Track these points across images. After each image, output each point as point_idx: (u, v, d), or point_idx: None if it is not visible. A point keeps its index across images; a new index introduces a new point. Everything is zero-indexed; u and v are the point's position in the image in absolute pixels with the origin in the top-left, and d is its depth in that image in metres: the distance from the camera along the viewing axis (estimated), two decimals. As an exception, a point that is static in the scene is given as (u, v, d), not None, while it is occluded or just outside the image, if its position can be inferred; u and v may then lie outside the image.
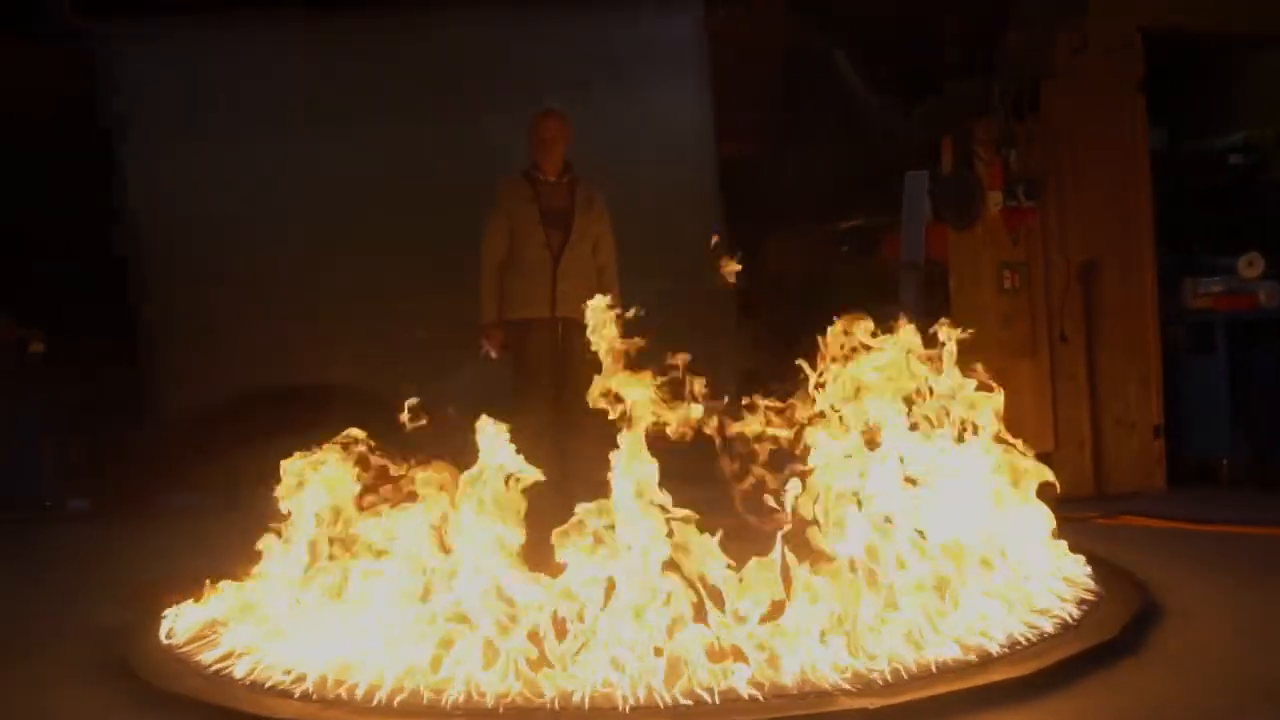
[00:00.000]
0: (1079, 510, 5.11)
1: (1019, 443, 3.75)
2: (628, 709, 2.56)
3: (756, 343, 7.35)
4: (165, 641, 3.31)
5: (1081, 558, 3.71)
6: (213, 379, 6.88)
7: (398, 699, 2.66)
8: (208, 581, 3.47)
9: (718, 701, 2.58)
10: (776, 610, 2.83)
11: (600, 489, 3.03)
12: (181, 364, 6.99)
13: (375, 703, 2.66)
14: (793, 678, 2.67)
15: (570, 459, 4.98)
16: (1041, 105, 5.50)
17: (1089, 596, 3.42)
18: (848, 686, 2.64)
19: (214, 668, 3.02)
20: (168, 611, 3.44)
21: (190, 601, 3.48)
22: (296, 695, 2.75)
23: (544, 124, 5.02)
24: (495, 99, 7.12)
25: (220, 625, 3.34)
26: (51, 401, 6.64)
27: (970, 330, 3.97)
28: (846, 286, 6.60)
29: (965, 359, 5.50)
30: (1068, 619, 3.19)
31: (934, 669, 2.77)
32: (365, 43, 7.18)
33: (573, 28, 7.38)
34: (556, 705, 2.60)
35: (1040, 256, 5.64)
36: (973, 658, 2.87)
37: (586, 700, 2.59)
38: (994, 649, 2.93)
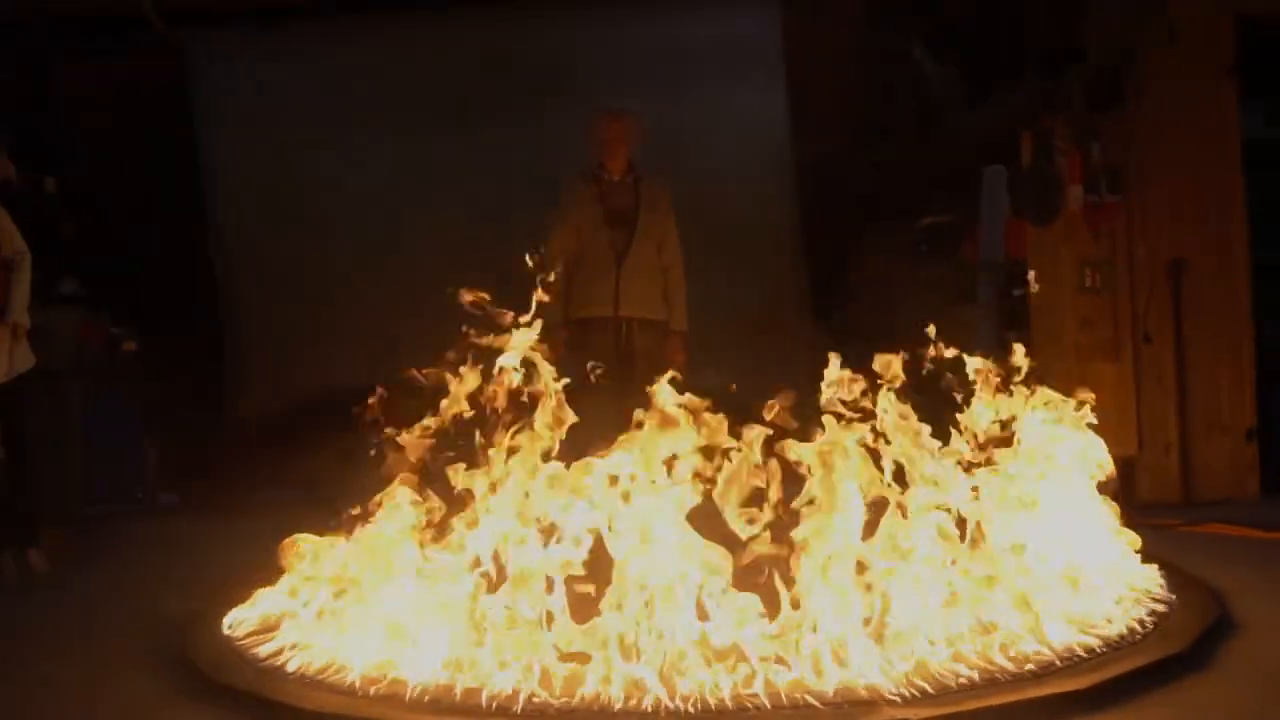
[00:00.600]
0: (1163, 516, 4.93)
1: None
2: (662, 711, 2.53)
3: (832, 344, 7.24)
4: (226, 633, 3.39)
5: (1155, 566, 3.56)
6: (295, 376, 7.06)
7: (429, 696, 2.67)
8: (271, 575, 3.54)
9: (766, 705, 2.55)
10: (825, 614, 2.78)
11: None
12: (265, 362, 7.18)
13: (411, 698, 2.67)
14: (834, 684, 2.61)
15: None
16: (1125, 95, 5.29)
17: (1160, 607, 3.29)
18: (891, 695, 2.57)
19: (268, 660, 3.07)
20: (233, 604, 3.53)
21: (255, 594, 3.57)
22: (340, 689, 2.78)
23: (606, 124, 5.02)
24: (572, 99, 7.15)
25: (282, 618, 3.41)
26: (143, 399, 6.86)
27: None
28: (924, 286, 6.46)
29: (1044, 362, 5.38)
30: (1134, 630, 3.07)
31: (984, 680, 2.69)
32: (442, 44, 7.27)
33: (648, 27, 7.38)
34: (595, 706, 2.58)
35: (1124, 253, 5.44)
36: (1030, 668, 2.78)
37: (620, 701, 2.57)
38: (1053, 660, 2.83)
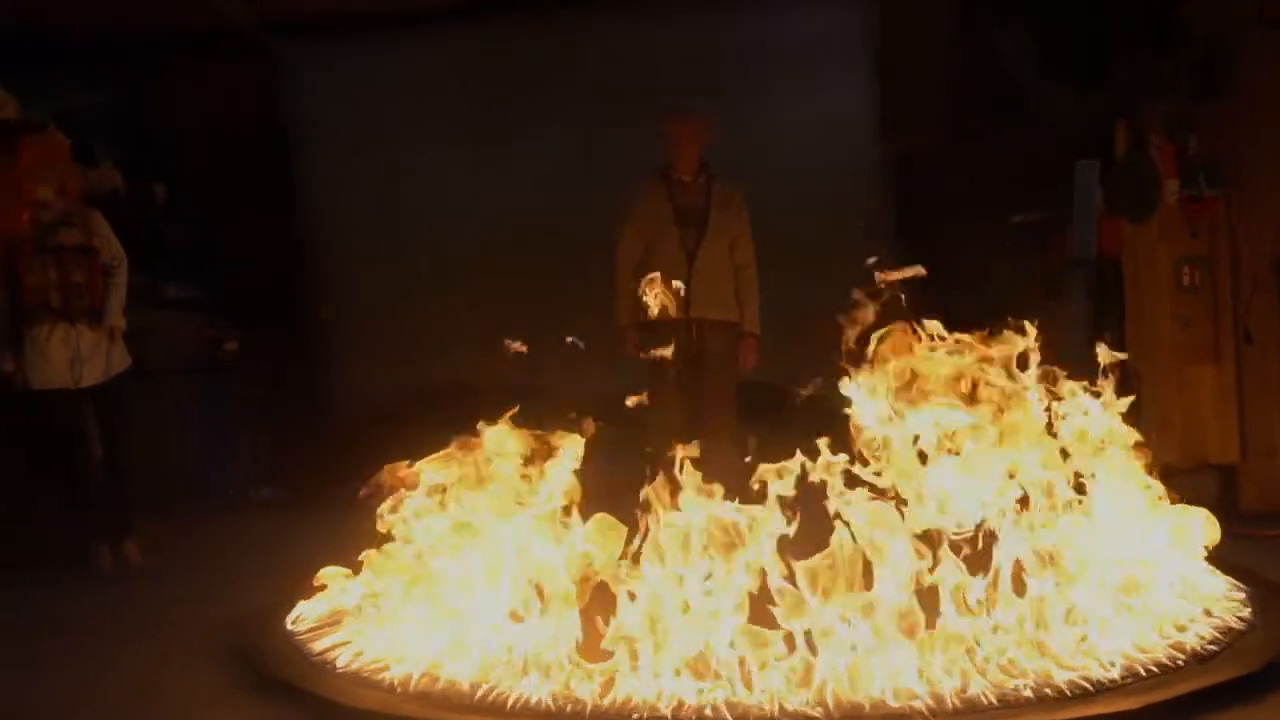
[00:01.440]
0: (1267, 527, 4.67)
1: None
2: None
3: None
4: (289, 628, 3.48)
5: (1235, 580, 3.38)
6: (388, 375, 7.24)
7: (463, 695, 2.69)
8: (335, 570, 3.62)
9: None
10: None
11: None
12: (359, 361, 7.38)
13: (448, 697, 2.70)
14: (869, 697, 2.55)
15: (702, 464, 4.93)
16: (1225, 83, 5.02)
17: (1237, 624, 3.11)
18: (923, 710, 2.49)
19: (321, 655, 3.14)
20: (304, 597, 3.61)
21: (322, 588, 3.65)
22: (381, 686, 2.83)
23: (676, 124, 5.00)
24: (660, 97, 7.14)
25: (344, 614, 3.49)
26: (244, 397, 7.11)
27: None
28: (1015, 285, 6.25)
29: (1139, 364, 5.15)
30: (1205, 648, 2.91)
31: (1034, 696, 2.58)
32: (531, 47, 7.36)
33: (738, 23, 7.35)
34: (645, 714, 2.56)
35: (1225, 250, 5.16)
36: (1086, 686, 2.66)
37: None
38: (1111, 678, 2.70)
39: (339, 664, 3.06)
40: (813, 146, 7.06)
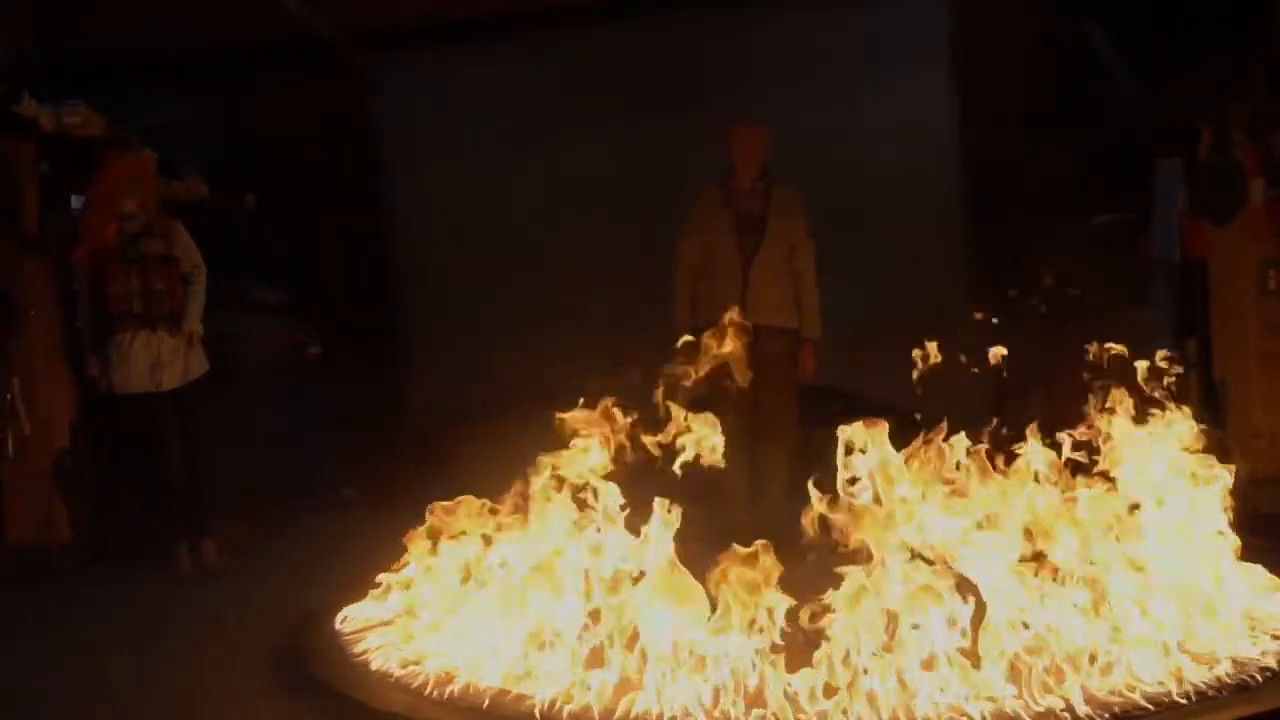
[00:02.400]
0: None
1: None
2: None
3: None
4: (337, 628, 3.57)
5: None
6: (468, 379, 7.36)
7: (487, 700, 2.73)
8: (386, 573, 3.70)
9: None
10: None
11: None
12: (439, 365, 7.52)
13: (469, 702, 2.74)
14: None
15: (763, 473, 4.91)
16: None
17: (1297, 649, 2.96)
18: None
19: (360, 658, 3.22)
20: (358, 598, 3.70)
21: (374, 591, 3.74)
22: (411, 689, 2.88)
23: (740, 132, 4.98)
24: (740, 98, 7.13)
25: (393, 618, 3.57)
26: (327, 399, 7.31)
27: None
28: (1098, 288, 6.07)
29: (1224, 370, 4.95)
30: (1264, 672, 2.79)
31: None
32: (615, 51, 7.39)
33: (818, 20, 7.26)
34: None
35: (1314, 253, 4.94)
36: (1113, 709, 2.57)
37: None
38: (1154, 700, 2.61)
39: (376, 666, 3.12)
40: (888, 145, 6.94)
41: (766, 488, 4.85)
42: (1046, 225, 6.49)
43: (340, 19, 7.10)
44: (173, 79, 7.25)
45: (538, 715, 2.67)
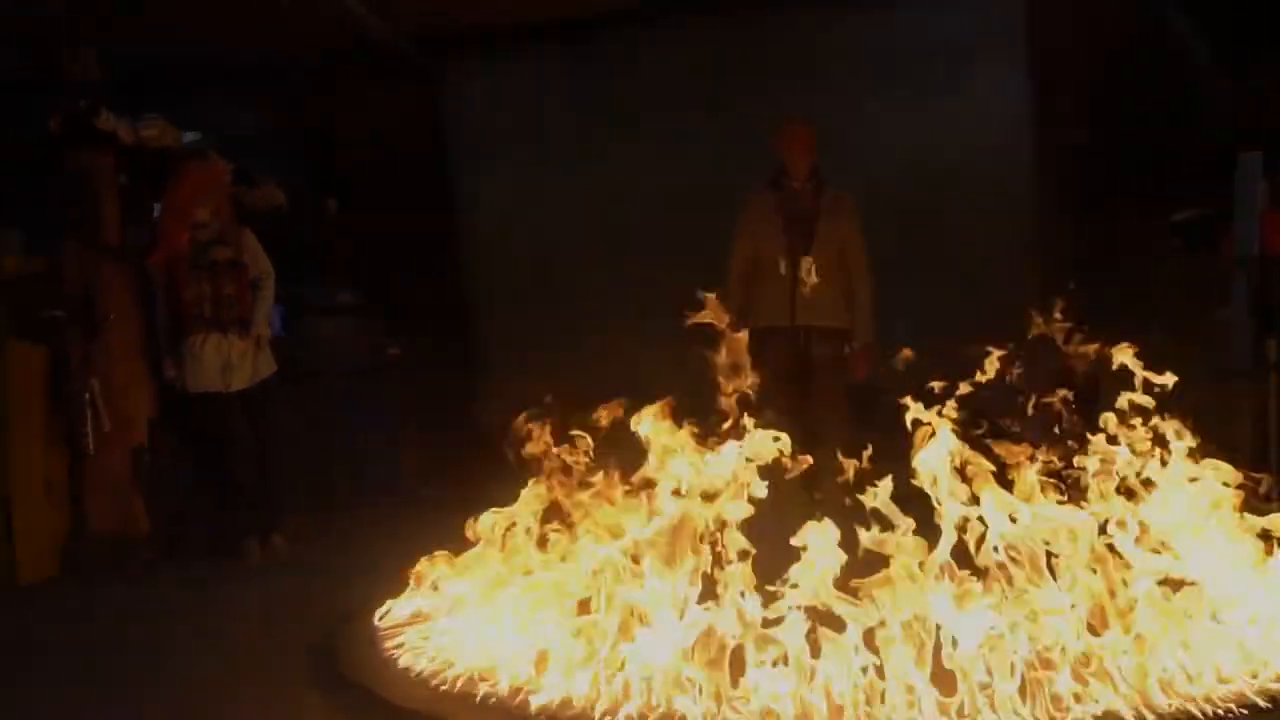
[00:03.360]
0: None
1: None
2: None
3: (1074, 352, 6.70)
4: (376, 623, 3.65)
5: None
6: (538, 380, 7.44)
7: (492, 700, 2.74)
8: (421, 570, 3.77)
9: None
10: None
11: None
12: (509, 366, 7.64)
13: (479, 701, 2.75)
14: None
15: (814, 474, 4.84)
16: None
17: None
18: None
19: (390, 654, 3.28)
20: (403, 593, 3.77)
21: (413, 587, 3.82)
22: (429, 686, 2.92)
23: (790, 131, 4.94)
24: (814, 98, 7.08)
25: (429, 613, 3.63)
26: (405, 398, 7.50)
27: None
28: (1177, 287, 5.83)
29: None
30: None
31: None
32: (684, 51, 7.41)
33: (889, 16, 7.16)
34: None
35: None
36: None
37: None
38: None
39: (400, 662, 3.17)
40: (962, 142, 6.80)
41: (820, 485, 4.80)
42: (1126, 222, 6.28)
43: (411, 26, 7.26)
44: (253, 89, 7.52)
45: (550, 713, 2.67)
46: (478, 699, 2.83)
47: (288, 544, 5.33)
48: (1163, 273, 6.02)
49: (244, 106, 7.71)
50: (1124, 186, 6.18)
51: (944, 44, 6.93)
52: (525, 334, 7.56)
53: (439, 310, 7.51)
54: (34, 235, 5.12)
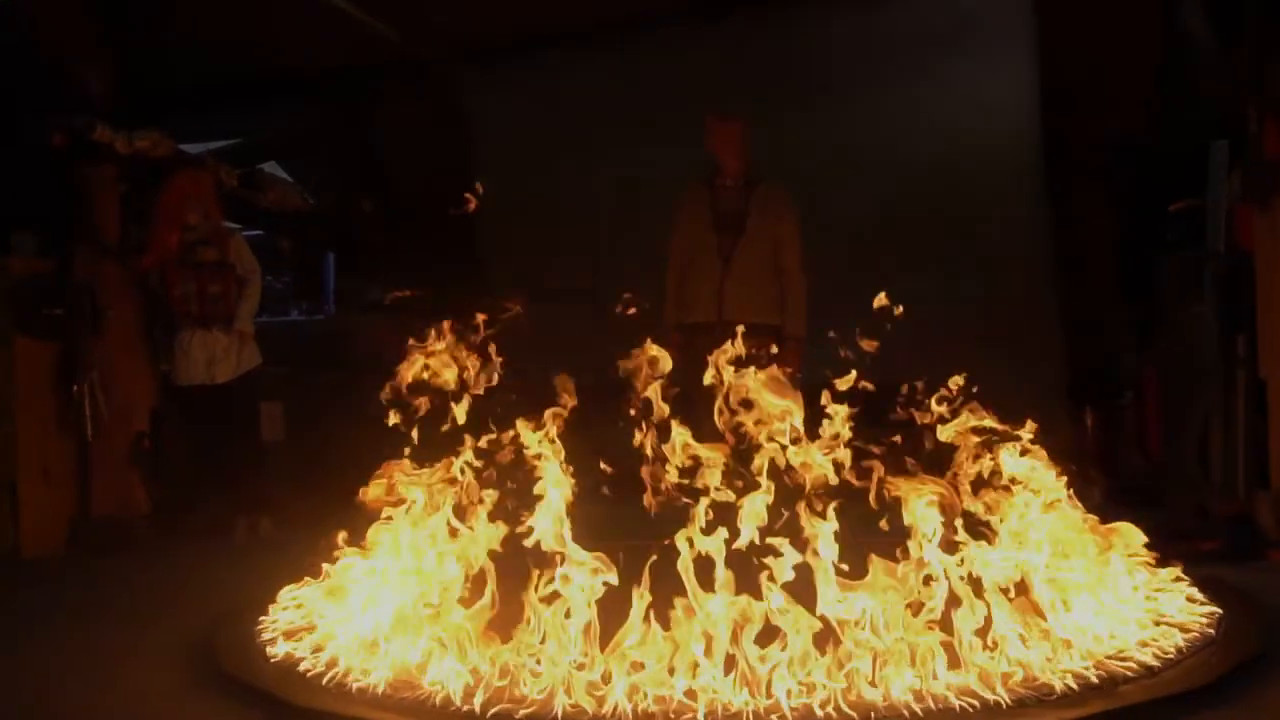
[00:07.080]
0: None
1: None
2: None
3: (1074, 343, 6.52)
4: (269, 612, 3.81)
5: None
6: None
7: (391, 692, 2.81)
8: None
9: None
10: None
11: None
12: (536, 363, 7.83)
13: (369, 695, 2.83)
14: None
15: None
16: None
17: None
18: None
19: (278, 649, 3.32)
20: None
21: (308, 580, 4.00)
22: (321, 682, 2.97)
23: (720, 128, 4.97)
24: (826, 95, 7.07)
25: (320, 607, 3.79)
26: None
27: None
28: (1167, 281, 5.57)
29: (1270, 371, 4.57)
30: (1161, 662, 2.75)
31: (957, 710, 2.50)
32: (699, 54, 7.45)
33: (896, 13, 7.07)
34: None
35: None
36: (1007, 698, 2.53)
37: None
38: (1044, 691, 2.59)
39: (278, 656, 3.23)
40: (967, 135, 6.68)
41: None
42: (1123, 215, 6.04)
43: (444, 34, 7.52)
44: (295, 94, 7.94)
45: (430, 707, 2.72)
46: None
47: (273, 526, 5.67)
48: (1159, 266, 5.77)
49: (290, 113, 8.17)
50: (1127, 176, 5.96)
51: (949, 30, 6.82)
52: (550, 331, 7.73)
53: (466, 309, 7.75)
54: (47, 239, 5.58)
